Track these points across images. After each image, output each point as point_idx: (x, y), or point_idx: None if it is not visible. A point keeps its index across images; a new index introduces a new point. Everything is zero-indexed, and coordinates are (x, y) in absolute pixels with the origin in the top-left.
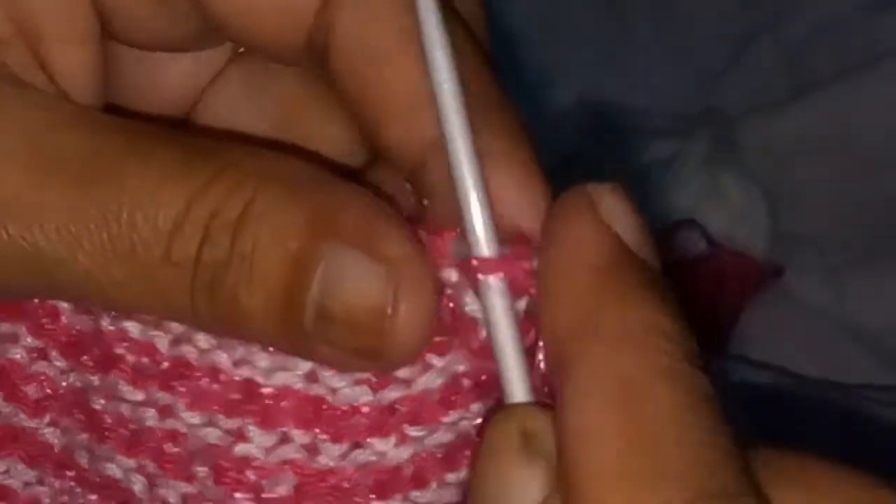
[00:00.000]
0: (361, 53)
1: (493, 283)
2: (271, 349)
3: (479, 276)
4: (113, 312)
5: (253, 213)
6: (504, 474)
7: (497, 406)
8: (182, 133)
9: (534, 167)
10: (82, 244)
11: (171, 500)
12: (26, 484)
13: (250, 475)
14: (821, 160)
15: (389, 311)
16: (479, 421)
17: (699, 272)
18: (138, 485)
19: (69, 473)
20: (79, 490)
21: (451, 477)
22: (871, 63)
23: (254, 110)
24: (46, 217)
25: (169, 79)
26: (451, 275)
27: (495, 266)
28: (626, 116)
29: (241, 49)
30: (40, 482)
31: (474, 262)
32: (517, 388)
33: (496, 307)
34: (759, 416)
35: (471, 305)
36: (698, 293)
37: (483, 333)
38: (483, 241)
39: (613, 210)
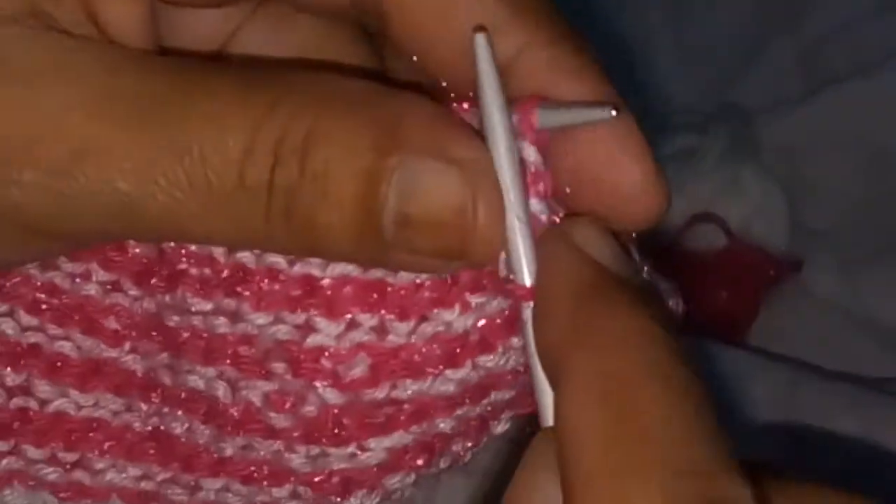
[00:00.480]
0: None
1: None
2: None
3: (523, 305)
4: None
5: (318, 134)
6: (538, 488)
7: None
8: (235, 66)
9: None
10: (158, 181)
11: (255, 399)
12: (115, 413)
13: (325, 363)
14: (837, 156)
15: (470, 209)
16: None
17: (719, 265)
18: (221, 390)
19: (154, 395)
20: (166, 409)
21: (514, 341)
22: (886, 61)
23: (281, 46)
24: (121, 158)
25: (196, 32)
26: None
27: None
28: (646, 113)
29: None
30: (128, 409)
31: (517, 290)
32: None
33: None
34: (778, 411)
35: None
36: (718, 286)
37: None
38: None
39: (587, 238)
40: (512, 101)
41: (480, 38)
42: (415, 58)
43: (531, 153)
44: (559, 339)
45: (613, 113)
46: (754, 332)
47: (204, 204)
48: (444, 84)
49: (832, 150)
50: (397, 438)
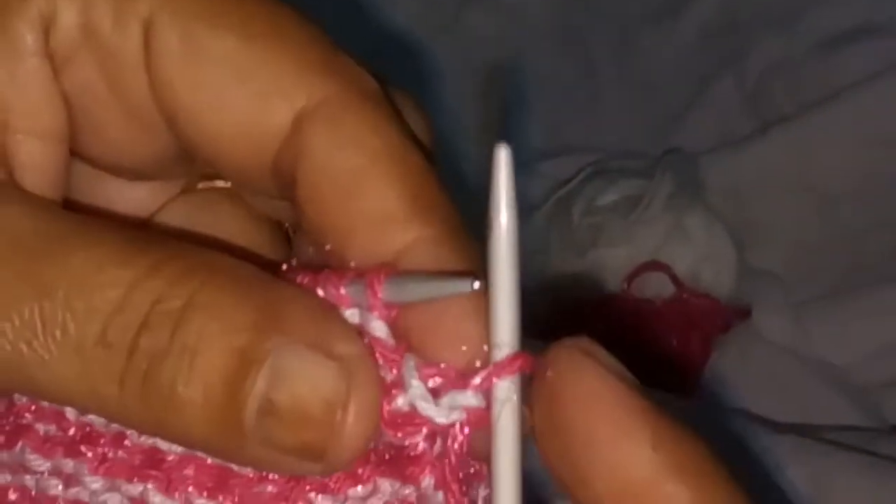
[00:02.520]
0: (330, 178)
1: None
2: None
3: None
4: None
5: (198, 304)
6: None
7: None
8: (130, 225)
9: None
10: (12, 319)
11: None
12: None
13: None
14: (784, 197)
15: (341, 406)
16: (387, 501)
17: (667, 314)
18: None
19: None
20: None
21: None
22: (831, 98)
23: (199, 230)
24: None
25: (120, 204)
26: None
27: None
28: (591, 156)
29: (200, 185)
30: None
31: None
32: None
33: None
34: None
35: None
36: (667, 335)
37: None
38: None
39: (607, 359)
40: (359, 273)
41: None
42: (328, 246)
43: (379, 327)
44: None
45: (476, 285)
46: (705, 378)
47: (56, 355)
48: (353, 264)
49: (779, 191)
50: None
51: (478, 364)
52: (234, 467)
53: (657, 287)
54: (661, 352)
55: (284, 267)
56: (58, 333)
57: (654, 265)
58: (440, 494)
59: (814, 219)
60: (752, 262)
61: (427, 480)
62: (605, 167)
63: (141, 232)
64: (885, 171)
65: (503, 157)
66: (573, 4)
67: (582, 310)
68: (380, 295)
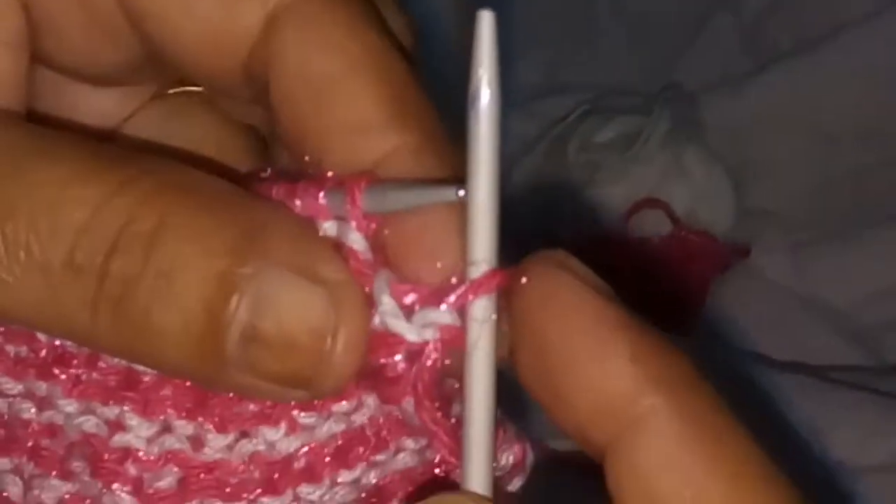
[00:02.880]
0: (304, 84)
1: (482, 357)
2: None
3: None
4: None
5: (171, 225)
6: None
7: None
8: (96, 141)
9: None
10: None
11: (47, 501)
12: None
13: (130, 468)
14: (784, 136)
15: (330, 334)
16: (371, 415)
17: (665, 252)
18: (14, 487)
19: None
20: None
21: (344, 475)
22: (831, 35)
23: (171, 137)
24: None
25: (86, 111)
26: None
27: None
28: (588, 94)
29: (170, 90)
30: None
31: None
32: (477, 479)
33: (479, 383)
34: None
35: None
36: (664, 273)
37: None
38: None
39: (583, 271)
40: (338, 181)
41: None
42: (307, 157)
43: (356, 239)
44: (616, 390)
45: (461, 193)
46: (704, 316)
47: (20, 278)
48: (330, 174)
49: (779, 130)
50: None
51: (453, 281)
52: None
53: (655, 225)
54: (659, 290)
55: (261, 176)
56: (21, 255)
57: (651, 202)
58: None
59: (815, 158)
60: (751, 203)
61: (408, 402)
62: (602, 105)
63: (108, 146)
64: (888, 110)
65: (486, 24)
66: None
67: (578, 247)
68: (359, 204)
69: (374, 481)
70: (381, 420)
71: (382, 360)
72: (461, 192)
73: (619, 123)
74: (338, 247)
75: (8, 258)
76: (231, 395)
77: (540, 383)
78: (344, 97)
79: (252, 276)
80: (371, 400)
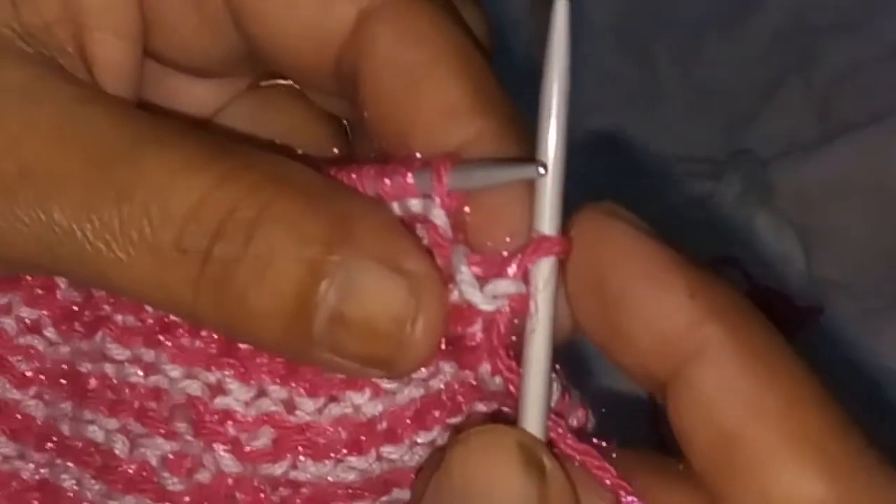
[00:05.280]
0: (394, 73)
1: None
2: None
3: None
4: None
5: (270, 215)
6: (504, 478)
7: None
8: (205, 132)
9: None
10: (92, 219)
11: (152, 458)
12: (6, 458)
13: (230, 428)
14: (853, 204)
15: (409, 322)
16: (447, 381)
17: None
18: (119, 444)
19: (50, 444)
20: (59, 461)
21: (422, 436)
22: None
23: (262, 127)
24: (62, 188)
25: (185, 99)
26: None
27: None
28: (655, 161)
29: (264, 83)
30: (20, 456)
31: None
32: (534, 422)
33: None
34: None
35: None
36: None
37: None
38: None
39: (632, 217)
40: (425, 162)
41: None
42: (387, 141)
43: (439, 215)
44: (675, 325)
45: (541, 170)
46: None
47: (133, 256)
48: (417, 155)
49: (848, 198)
50: None
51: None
52: None
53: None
54: None
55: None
56: (135, 236)
57: (726, 260)
58: (497, 379)
59: (881, 226)
60: (819, 268)
61: (484, 367)
62: (672, 170)
63: (212, 137)
64: None
65: (561, 11)
66: (637, 9)
67: None
68: (445, 182)
69: None
70: (456, 386)
71: (461, 331)
72: (542, 170)
73: (691, 186)
74: (422, 221)
75: (122, 238)
76: None
77: (600, 325)
78: (432, 84)
79: (340, 263)
80: (448, 367)
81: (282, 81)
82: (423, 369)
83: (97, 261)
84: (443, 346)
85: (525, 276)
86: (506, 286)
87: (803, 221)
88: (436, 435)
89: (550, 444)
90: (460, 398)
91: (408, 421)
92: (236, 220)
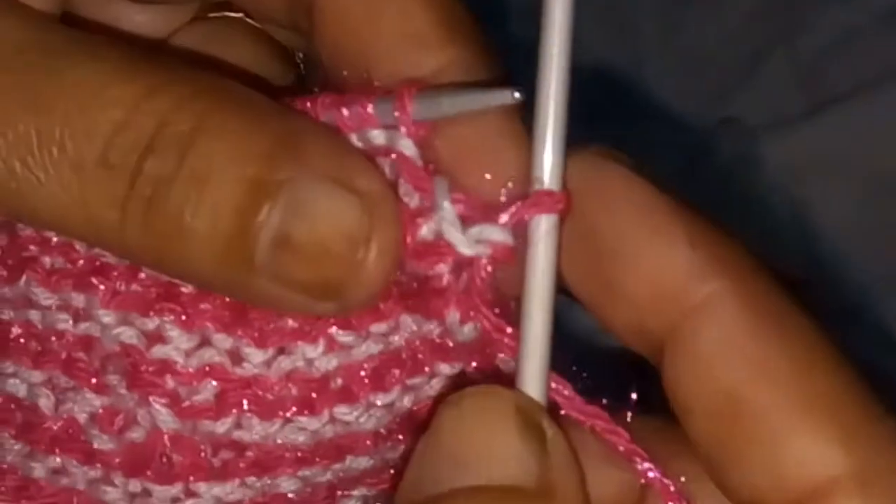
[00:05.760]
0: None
1: (543, 262)
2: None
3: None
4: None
5: (208, 129)
6: (500, 444)
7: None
8: (136, 45)
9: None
10: (5, 133)
11: (80, 415)
12: None
13: (168, 380)
14: (838, 178)
15: (363, 243)
16: (408, 337)
17: None
18: (43, 399)
19: None
20: None
21: (381, 397)
22: (888, 77)
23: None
24: None
25: (126, 26)
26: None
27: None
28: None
29: (212, 14)
30: None
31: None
32: (533, 384)
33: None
34: None
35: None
36: None
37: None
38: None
39: (631, 162)
40: (387, 91)
41: None
42: (345, 72)
43: (407, 145)
44: (676, 276)
45: (517, 95)
46: None
47: (52, 175)
48: (377, 84)
49: (833, 172)
50: (230, 489)
51: (503, 196)
52: None
53: None
54: None
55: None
56: (54, 151)
57: None
58: (467, 328)
59: (867, 202)
60: (808, 242)
61: (452, 315)
62: (656, 137)
63: (142, 51)
64: None
65: None
66: None
67: None
68: (409, 110)
69: (408, 406)
70: (417, 343)
71: (430, 272)
72: (517, 95)
73: (673, 157)
74: (384, 153)
75: (41, 155)
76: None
77: (591, 279)
78: (394, 12)
79: (286, 182)
80: (409, 320)
81: (231, 14)
82: (382, 324)
83: (13, 181)
84: (408, 291)
85: (517, 228)
86: (492, 233)
87: (791, 192)
88: (395, 396)
89: (551, 410)
90: (421, 356)
91: (365, 379)
92: (169, 134)
